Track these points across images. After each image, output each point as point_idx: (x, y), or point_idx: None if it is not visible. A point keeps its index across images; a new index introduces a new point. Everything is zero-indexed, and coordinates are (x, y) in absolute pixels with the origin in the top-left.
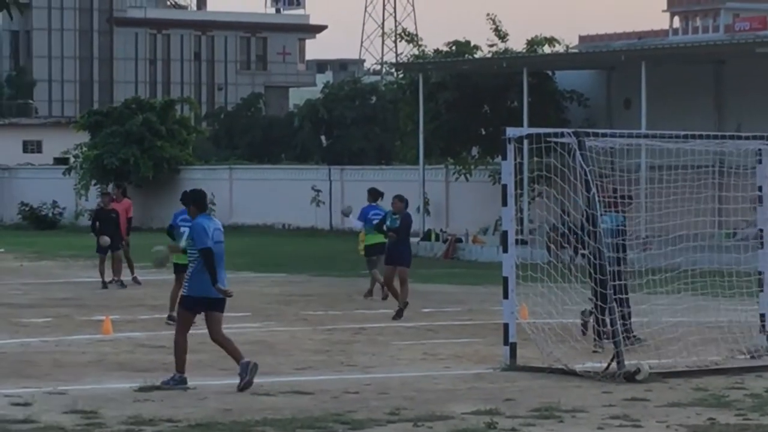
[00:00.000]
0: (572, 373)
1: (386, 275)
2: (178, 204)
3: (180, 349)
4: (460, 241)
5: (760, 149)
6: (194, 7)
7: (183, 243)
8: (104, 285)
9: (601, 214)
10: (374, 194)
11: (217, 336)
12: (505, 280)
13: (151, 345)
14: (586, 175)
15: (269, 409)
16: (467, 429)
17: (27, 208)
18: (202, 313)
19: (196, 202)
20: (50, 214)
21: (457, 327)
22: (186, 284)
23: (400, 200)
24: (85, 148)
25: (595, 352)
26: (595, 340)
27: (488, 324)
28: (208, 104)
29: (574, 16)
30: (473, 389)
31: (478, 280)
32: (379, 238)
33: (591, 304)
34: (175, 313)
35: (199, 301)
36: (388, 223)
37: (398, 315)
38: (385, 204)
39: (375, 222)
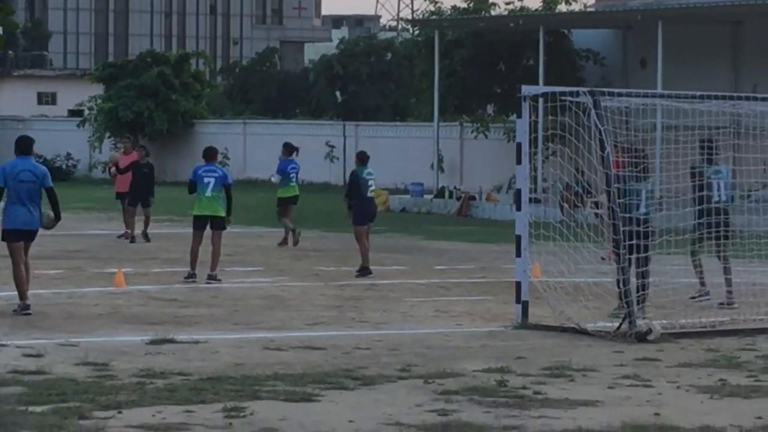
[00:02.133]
0: (584, 333)
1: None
2: (193, 157)
3: (17, 281)
4: (473, 198)
5: None
6: None
7: None
8: (133, 238)
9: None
10: (290, 149)
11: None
12: (518, 238)
13: (163, 298)
14: (600, 134)
15: (280, 364)
16: (478, 387)
17: (41, 160)
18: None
19: (17, 145)
20: (64, 166)
21: (470, 284)
22: (2, 220)
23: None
24: (99, 101)
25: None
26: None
27: (501, 282)
28: (223, 58)
29: None
30: (484, 347)
31: (491, 237)
32: (293, 191)
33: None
34: (195, 268)
35: (13, 232)
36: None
37: (362, 273)
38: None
39: (292, 175)
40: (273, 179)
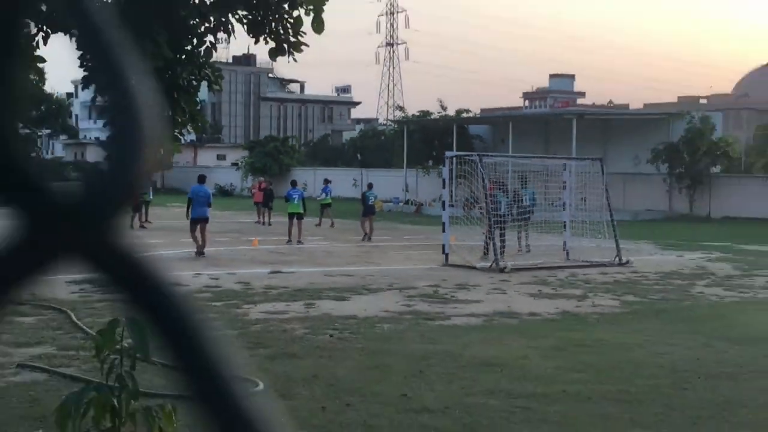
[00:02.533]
0: (474, 268)
1: (363, 221)
2: (288, 185)
3: (194, 239)
4: (422, 204)
5: (564, 164)
6: (299, 92)
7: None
8: (263, 223)
9: (501, 192)
10: (326, 180)
11: (201, 234)
12: (443, 223)
13: (276, 252)
14: (482, 174)
15: (332, 283)
16: (425, 293)
17: (217, 186)
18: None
19: (198, 178)
20: (229, 189)
21: (421, 245)
22: (191, 213)
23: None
24: (246, 158)
25: (485, 256)
26: (494, 253)
27: (436, 244)
28: (304, 139)
29: (480, 97)
30: (427, 274)
31: (432, 223)
32: (329, 201)
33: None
34: (291, 238)
35: (195, 220)
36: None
37: (365, 240)
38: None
39: (329, 193)
40: (318, 198)
